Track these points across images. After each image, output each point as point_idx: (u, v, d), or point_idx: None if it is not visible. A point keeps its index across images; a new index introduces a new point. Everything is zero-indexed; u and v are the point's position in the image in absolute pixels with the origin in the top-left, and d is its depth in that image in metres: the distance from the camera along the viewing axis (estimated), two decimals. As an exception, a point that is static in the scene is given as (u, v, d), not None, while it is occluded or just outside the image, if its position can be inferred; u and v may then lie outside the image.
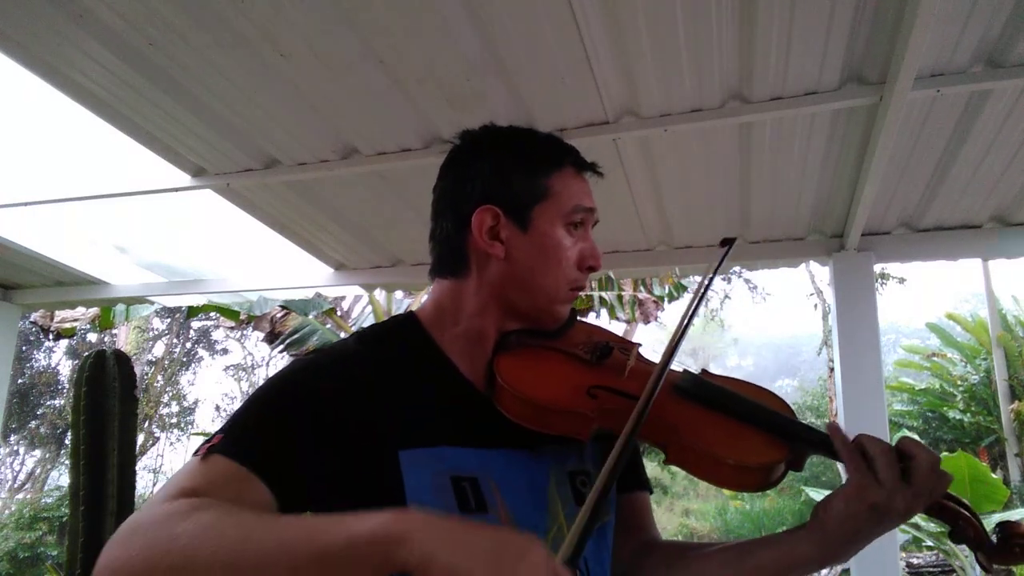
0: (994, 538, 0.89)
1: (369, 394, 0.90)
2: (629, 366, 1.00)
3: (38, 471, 17.41)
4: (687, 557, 1.02)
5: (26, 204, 2.75)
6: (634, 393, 0.92)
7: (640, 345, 1.07)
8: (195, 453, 0.83)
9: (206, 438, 0.86)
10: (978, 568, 6.82)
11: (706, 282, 1.06)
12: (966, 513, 0.90)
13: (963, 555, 6.88)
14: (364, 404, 0.89)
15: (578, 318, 1.08)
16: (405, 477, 0.85)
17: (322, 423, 0.86)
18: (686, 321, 0.98)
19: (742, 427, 0.94)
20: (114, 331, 15.99)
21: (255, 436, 0.85)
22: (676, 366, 1.00)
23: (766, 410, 0.96)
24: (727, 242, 1.12)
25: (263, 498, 0.80)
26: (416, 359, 0.98)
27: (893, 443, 0.89)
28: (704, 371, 1.04)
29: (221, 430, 0.85)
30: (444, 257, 1.03)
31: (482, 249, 0.99)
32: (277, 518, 0.72)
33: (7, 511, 13.67)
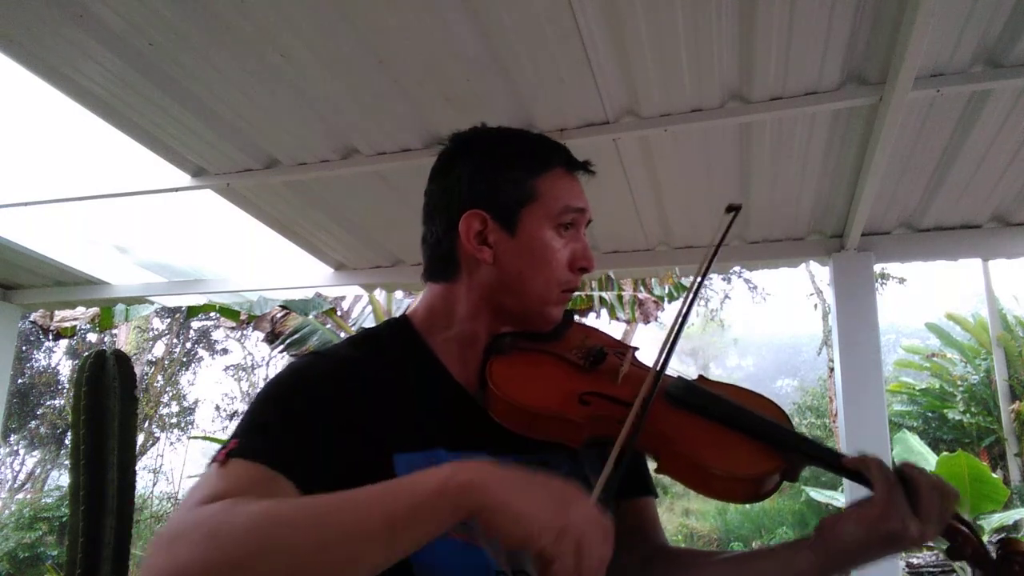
0: (994, 554, 0.87)
1: (363, 398, 0.90)
2: (623, 372, 0.98)
3: (38, 471, 17.40)
4: (693, 565, 1.02)
5: (26, 204, 2.75)
6: (627, 400, 0.91)
7: (637, 349, 1.05)
8: (213, 460, 0.81)
9: (222, 444, 0.83)
10: (978, 568, 6.81)
11: (712, 252, 1.00)
12: (965, 530, 0.87)
13: (963, 555, 6.87)
14: (359, 408, 0.89)
15: (575, 319, 1.06)
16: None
17: (328, 421, 0.86)
18: (682, 318, 0.95)
19: (735, 436, 0.92)
20: (114, 331, 15.99)
21: (273, 435, 0.84)
22: (670, 372, 0.97)
23: (760, 419, 0.94)
24: (733, 208, 1.05)
25: (293, 496, 0.78)
26: (408, 363, 0.97)
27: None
28: (701, 377, 1.02)
29: (235, 435, 0.84)
30: (435, 261, 1.03)
31: (471, 254, 0.98)
32: (330, 496, 0.70)
33: (7, 511, 13.68)
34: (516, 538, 0.66)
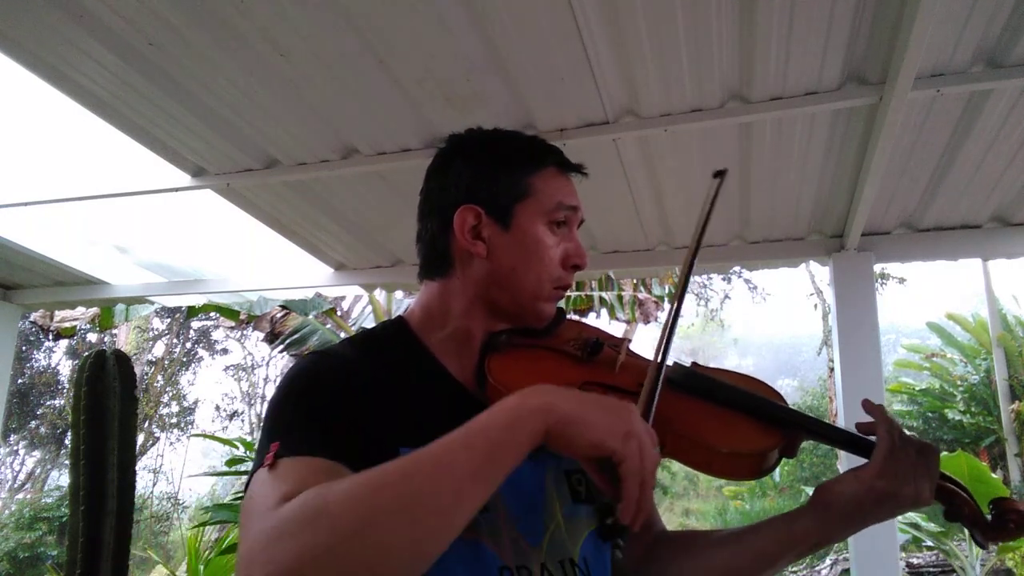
0: (989, 516, 0.92)
1: (367, 396, 0.90)
2: (620, 361, 1.01)
3: (38, 471, 17.40)
4: (694, 546, 1.06)
5: (26, 204, 2.75)
6: (628, 388, 0.93)
7: (630, 340, 1.07)
8: (258, 467, 0.79)
9: (256, 458, 0.80)
10: (978, 568, 6.82)
11: (703, 221, 1.06)
12: (961, 492, 0.92)
13: (963, 555, 6.88)
14: (363, 405, 0.89)
15: (567, 316, 1.09)
16: None
17: (343, 412, 0.86)
18: (680, 299, 0.98)
19: (735, 416, 0.96)
20: (114, 331, 15.98)
21: (311, 427, 0.83)
22: (667, 361, 0.99)
23: (757, 398, 0.98)
24: (719, 173, 1.09)
25: None
26: (407, 363, 0.98)
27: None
28: (695, 364, 1.06)
29: (271, 439, 0.81)
30: (430, 258, 1.04)
31: (465, 249, 0.99)
32: (416, 452, 0.70)
33: (7, 511, 13.68)
34: (590, 444, 0.73)
